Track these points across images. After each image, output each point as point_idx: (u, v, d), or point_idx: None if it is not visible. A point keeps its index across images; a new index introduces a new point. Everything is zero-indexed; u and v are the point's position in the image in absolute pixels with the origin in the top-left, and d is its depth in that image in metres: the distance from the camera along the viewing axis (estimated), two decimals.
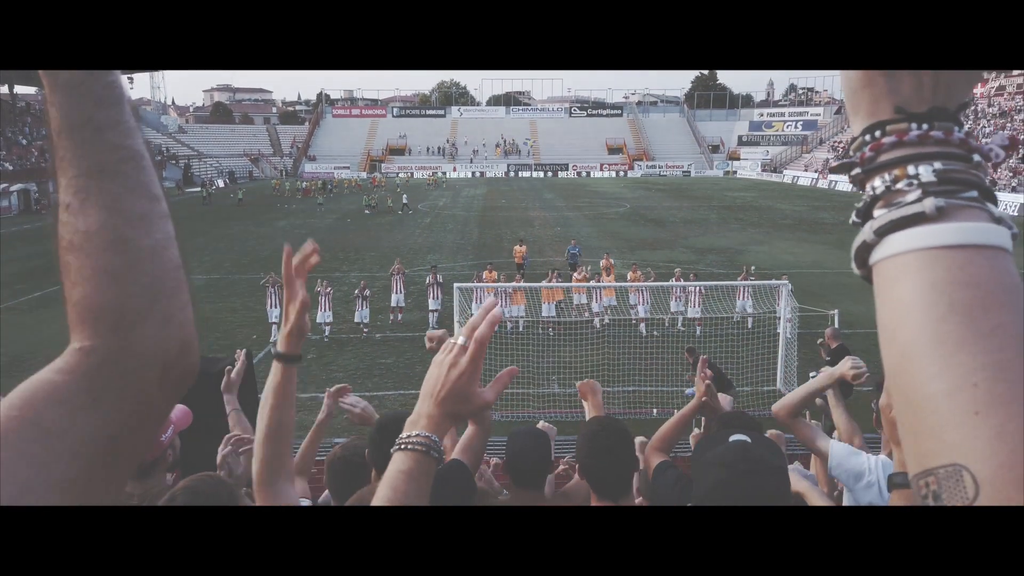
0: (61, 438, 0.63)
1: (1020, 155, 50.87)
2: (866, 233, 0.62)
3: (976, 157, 0.61)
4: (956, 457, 0.51)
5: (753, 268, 18.59)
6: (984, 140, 0.63)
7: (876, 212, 0.61)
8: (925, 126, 0.60)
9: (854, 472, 2.75)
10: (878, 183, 0.62)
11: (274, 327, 16.58)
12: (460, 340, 1.16)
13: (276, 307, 16.59)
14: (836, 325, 12.14)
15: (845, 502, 2.85)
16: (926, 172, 0.59)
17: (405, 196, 46.59)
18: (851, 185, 0.67)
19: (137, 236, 0.69)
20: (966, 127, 0.62)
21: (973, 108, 64.98)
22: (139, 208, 0.70)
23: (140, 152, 0.72)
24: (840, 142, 75.81)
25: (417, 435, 1.16)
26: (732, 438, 1.67)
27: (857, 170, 0.65)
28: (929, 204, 0.57)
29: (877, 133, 0.62)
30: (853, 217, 0.65)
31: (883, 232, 0.60)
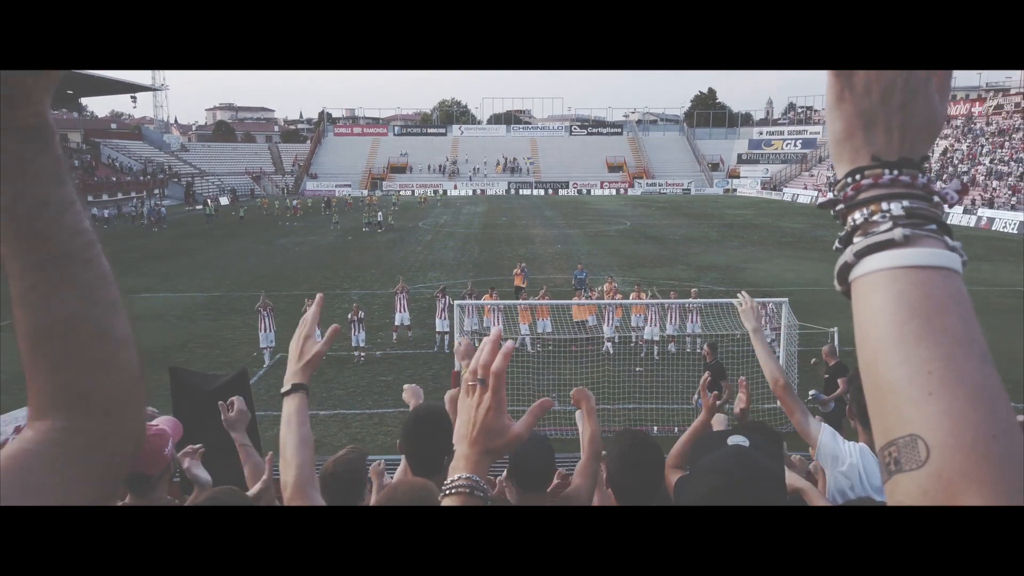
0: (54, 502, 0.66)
1: (1020, 173, 51.08)
2: (847, 255, 0.76)
3: (935, 199, 0.76)
4: (913, 429, 0.65)
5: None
6: (941, 185, 0.78)
7: (855, 239, 0.76)
8: (896, 172, 0.76)
9: (832, 455, 2.91)
10: (858, 216, 0.76)
11: (266, 352, 16.39)
12: (474, 380, 1.19)
13: (270, 331, 16.36)
14: (836, 343, 12.14)
15: (827, 487, 2.96)
16: (896, 207, 0.74)
17: (380, 213, 46.32)
18: (835, 219, 0.81)
19: (115, 325, 0.70)
20: (930, 173, 0.78)
21: (971, 127, 65.32)
22: (111, 296, 0.71)
23: (94, 235, 0.72)
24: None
25: (459, 478, 1.20)
26: (730, 441, 1.67)
27: (840, 206, 0.79)
28: (898, 232, 0.72)
29: (857, 176, 0.78)
30: (836, 244, 0.79)
31: (861, 255, 0.74)
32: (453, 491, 1.20)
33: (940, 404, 0.64)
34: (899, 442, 0.66)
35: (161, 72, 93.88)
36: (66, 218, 0.70)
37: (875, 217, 0.75)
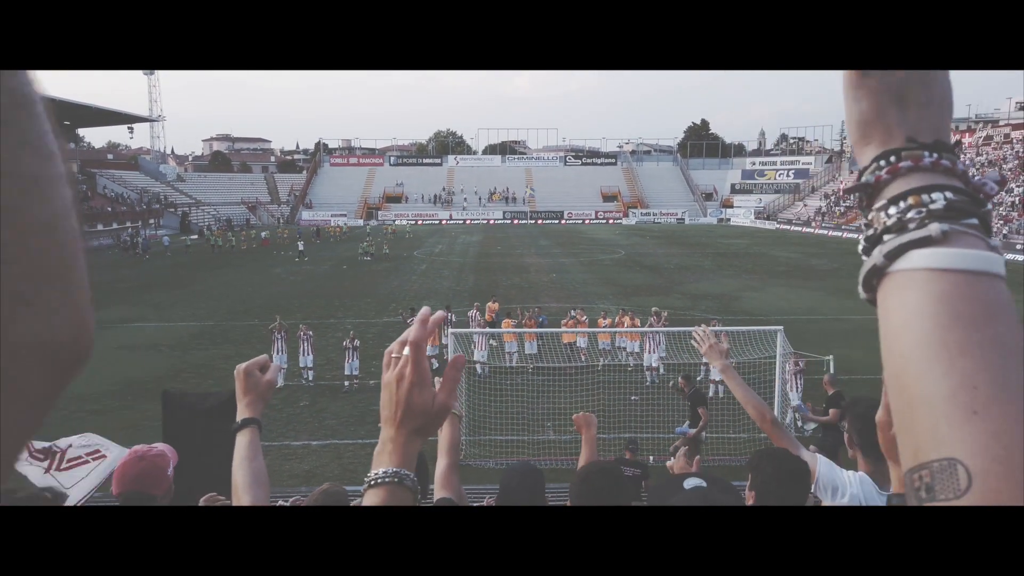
0: None
1: (1010, 203, 51.53)
2: (876, 257, 0.65)
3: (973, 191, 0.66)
4: (951, 452, 0.55)
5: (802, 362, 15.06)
6: (976, 176, 0.69)
7: (886, 238, 0.66)
8: (936, 155, 0.67)
9: (832, 486, 2.82)
10: (892, 211, 0.66)
11: (281, 372, 16.69)
12: (398, 354, 1.11)
13: (282, 352, 16.77)
14: (832, 370, 12.10)
15: None
16: (938, 199, 0.64)
17: (301, 243, 46.14)
18: (860, 208, 0.71)
19: (28, 205, 0.56)
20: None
21: (961, 158, 65.83)
22: (31, 169, 0.56)
23: (32, 96, 0.57)
24: (833, 191, 76.72)
25: (384, 472, 1.10)
26: (687, 484, 1.57)
27: (869, 195, 0.69)
28: (934, 228, 0.62)
29: (892, 159, 0.68)
30: (862, 243, 0.68)
31: (893, 256, 0.64)
32: (376, 483, 1.08)
33: (986, 424, 0.54)
34: (933, 466, 0.56)
35: (158, 103, 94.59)
36: None
37: (911, 213, 0.64)
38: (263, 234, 58.74)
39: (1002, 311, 0.60)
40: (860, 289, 0.68)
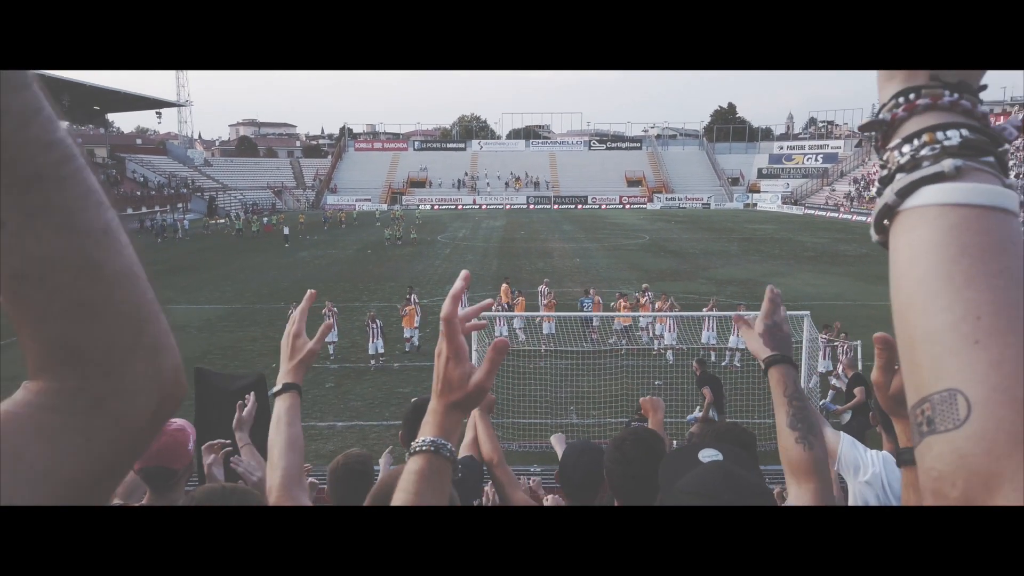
0: (46, 478, 0.57)
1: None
2: (887, 195, 0.65)
3: (993, 133, 0.65)
4: (953, 383, 0.54)
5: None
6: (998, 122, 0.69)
7: (898, 176, 0.65)
8: (956, 95, 0.65)
9: (854, 465, 2.83)
10: (906, 149, 0.65)
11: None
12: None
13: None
14: (859, 356, 11.98)
15: (849, 500, 2.89)
16: (953, 136, 0.63)
17: (287, 228, 46.31)
18: (874, 150, 0.71)
19: (108, 258, 0.59)
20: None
21: None
22: (99, 222, 0.58)
23: (73, 148, 0.58)
24: (863, 175, 75.42)
25: (423, 441, 1.18)
26: (703, 456, 1.51)
27: (887, 133, 0.68)
28: (947, 164, 0.61)
29: (912, 96, 0.66)
30: (876, 185, 0.68)
31: (904, 193, 0.63)
32: (416, 451, 1.17)
33: (988, 353, 0.54)
34: (934, 398, 0.55)
35: (186, 88, 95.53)
36: (31, 130, 0.55)
37: (924, 151, 0.63)
38: (264, 220, 58.62)
39: (1013, 245, 0.58)
40: (872, 232, 0.68)
